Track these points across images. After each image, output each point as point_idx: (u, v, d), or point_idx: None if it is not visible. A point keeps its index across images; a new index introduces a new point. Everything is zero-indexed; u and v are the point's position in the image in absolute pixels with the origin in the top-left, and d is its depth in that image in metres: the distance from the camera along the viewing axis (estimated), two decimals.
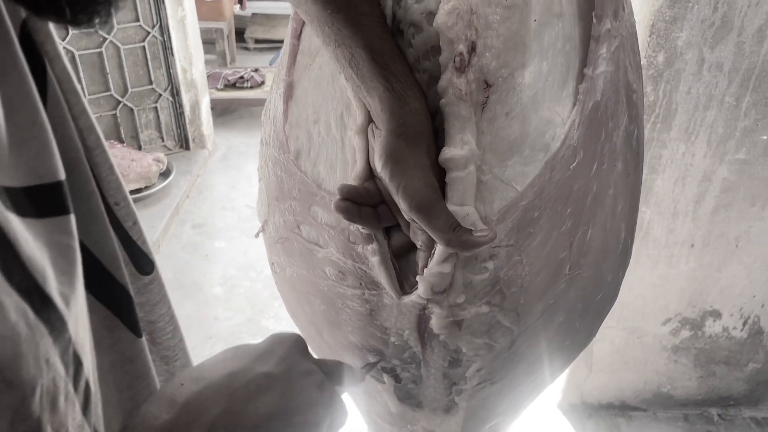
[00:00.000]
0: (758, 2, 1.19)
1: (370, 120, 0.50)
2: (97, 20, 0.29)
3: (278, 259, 0.73)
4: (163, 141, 3.14)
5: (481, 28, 0.47)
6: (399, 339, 0.64)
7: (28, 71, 0.33)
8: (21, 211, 0.29)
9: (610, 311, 1.58)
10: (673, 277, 1.57)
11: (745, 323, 1.66)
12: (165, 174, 2.85)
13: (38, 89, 0.34)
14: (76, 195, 0.37)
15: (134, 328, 0.42)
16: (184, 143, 3.18)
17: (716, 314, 1.65)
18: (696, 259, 1.55)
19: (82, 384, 0.31)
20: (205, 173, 3.16)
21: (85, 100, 0.42)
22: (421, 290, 0.54)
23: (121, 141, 2.96)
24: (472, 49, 0.48)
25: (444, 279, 0.53)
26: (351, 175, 0.54)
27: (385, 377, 0.71)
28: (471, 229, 0.47)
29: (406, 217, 0.50)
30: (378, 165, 0.48)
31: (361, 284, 0.63)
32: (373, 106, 0.49)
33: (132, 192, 2.72)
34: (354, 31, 0.46)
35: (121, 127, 2.99)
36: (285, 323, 2.11)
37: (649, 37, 1.24)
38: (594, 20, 0.53)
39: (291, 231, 0.66)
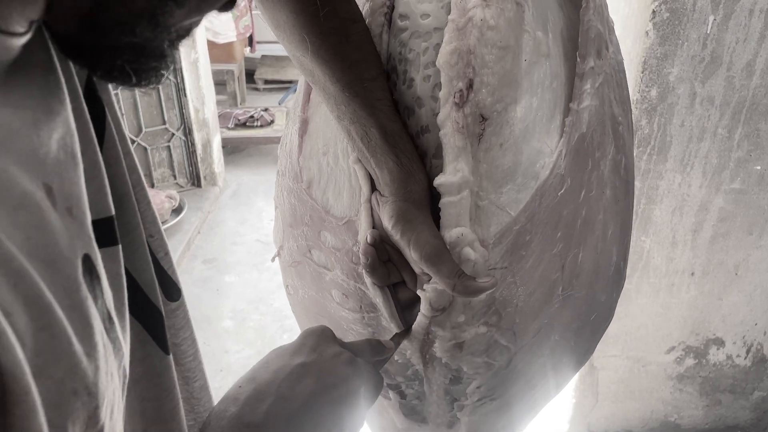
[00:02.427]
0: (746, 38, 1.25)
1: (373, 188, 0.58)
2: (156, 79, 0.35)
3: (292, 281, 0.77)
4: (175, 179, 3.21)
5: (479, 67, 0.52)
6: (402, 358, 0.67)
7: (89, 119, 0.38)
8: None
9: (615, 340, 1.61)
10: (675, 305, 1.60)
11: (748, 351, 1.68)
12: (177, 210, 2.91)
13: (97, 133, 0.39)
14: (123, 227, 0.42)
15: (164, 345, 0.46)
16: (195, 181, 3.25)
17: (719, 342, 1.67)
18: (697, 287, 1.58)
19: (125, 395, 0.36)
20: (216, 209, 3.22)
21: (130, 145, 0.47)
22: (422, 307, 0.59)
23: None
24: (470, 85, 0.53)
25: (443, 296, 0.57)
26: (361, 226, 0.60)
27: (391, 393, 0.74)
28: (474, 277, 0.54)
29: (415, 267, 0.57)
30: (389, 224, 0.55)
31: (361, 307, 0.67)
32: (381, 178, 0.56)
33: None
34: (369, 112, 0.54)
35: None
36: None
37: (642, 73, 1.30)
38: (578, 59, 0.58)
39: (303, 255, 0.71)
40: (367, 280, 0.61)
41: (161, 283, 0.48)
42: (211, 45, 3.14)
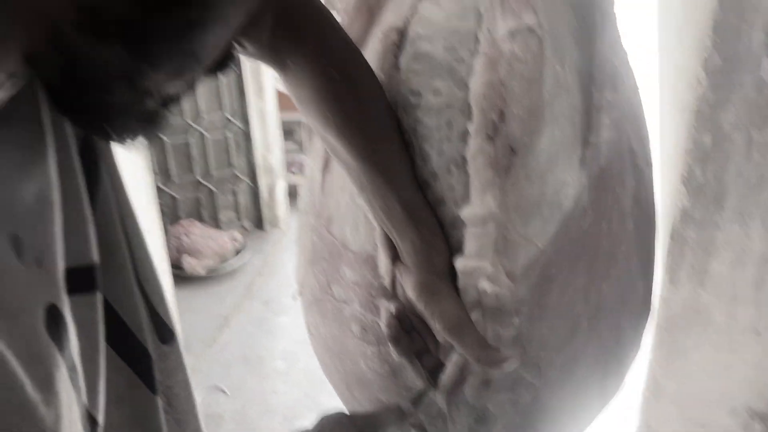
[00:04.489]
0: None
1: (395, 257, 0.59)
2: (144, 138, 0.36)
3: (313, 320, 0.78)
4: (240, 221, 3.31)
5: (509, 99, 0.53)
6: (426, 398, 0.67)
7: (79, 170, 0.40)
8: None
9: (672, 400, 1.52)
10: (737, 365, 1.50)
11: None
12: (240, 252, 3.00)
13: (90, 183, 0.41)
14: (112, 272, 0.43)
15: (151, 386, 0.46)
16: (259, 224, 3.35)
17: None
18: (763, 348, 1.47)
19: None
20: (277, 252, 3.29)
21: (128, 194, 0.49)
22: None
23: (201, 220, 3.15)
24: (502, 118, 0.53)
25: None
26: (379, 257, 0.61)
27: None
28: (498, 348, 0.54)
29: (439, 337, 0.57)
30: (413, 296, 0.56)
31: (378, 340, 0.67)
32: (404, 249, 0.57)
33: (208, 268, 2.87)
34: (391, 186, 0.56)
35: (202, 208, 3.19)
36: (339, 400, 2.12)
37: (696, 121, 1.26)
38: (595, 92, 0.59)
39: (324, 292, 0.72)
40: (392, 350, 0.61)
41: (154, 325, 0.49)
42: (281, 94, 3.26)
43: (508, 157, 0.54)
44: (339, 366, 0.76)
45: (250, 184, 3.27)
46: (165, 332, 0.52)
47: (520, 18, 0.53)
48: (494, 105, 0.53)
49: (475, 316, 0.57)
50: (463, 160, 0.56)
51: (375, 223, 0.60)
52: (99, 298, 0.39)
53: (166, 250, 2.10)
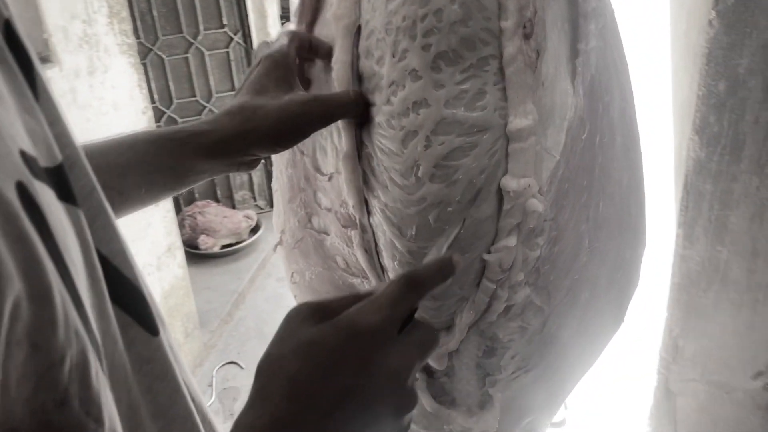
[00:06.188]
0: None
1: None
2: None
3: (297, 266, 0.76)
4: (255, 200, 3.31)
5: None
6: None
7: (16, 64, 0.32)
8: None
9: (692, 362, 1.49)
10: (759, 324, 1.45)
11: None
12: (254, 230, 2.99)
13: (29, 84, 0.33)
14: (80, 191, 0.35)
15: (149, 325, 0.40)
16: (273, 203, 3.34)
17: None
18: None
19: (107, 372, 0.31)
20: None
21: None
22: (488, 271, 0.56)
23: (216, 200, 3.15)
24: (534, 17, 0.50)
25: (510, 254, 0.55)
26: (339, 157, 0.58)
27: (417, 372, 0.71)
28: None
29: None
30: None
31: (361, 273, 0.65)
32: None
33: (224, 246, 2.87)
34: None
35: (218, 188, 3.19)
36: None
37: (707, 65, 1.20)
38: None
39: (304, 228, 0.70)
40: (344, 210, 0.59)
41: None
42: None
43: (536, 60, 0.50)
44: None
45: (264, 163, 3.26)
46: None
47: None
48: (527, 2, 0.49)
49: (511, 240, 0.54)
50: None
51: (340, 147, 0.57)
52: (80, 213, 0.32)
53: (178, 231, 2.09)
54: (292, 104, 0.53)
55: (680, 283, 1.43)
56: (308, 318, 0.43)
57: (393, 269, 0.58)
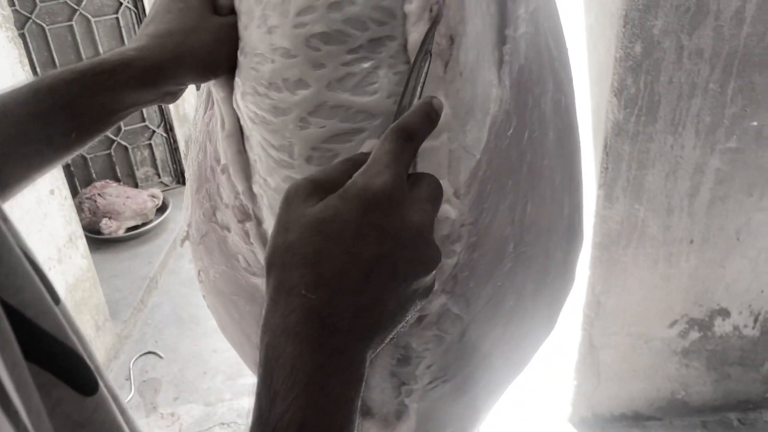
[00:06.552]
0: None
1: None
2: None
3: (202, 263, 0.69)
4: (159, 177, 3.13)
5: None
6: None
7: None
8: None
9: (613, 316, 1.49)
10: (674, 276, 1.51)
11: (756, 320, 1.59)
12: (162, 209, 2.84)
13: None
14: None
15: (82, 384, 0.34)
16: (180, 178, 3.17)
17: (725, 313, 1.58)
18: (697, 255, 1.48)
19: None
20: None
21: None
22: None
23: (117, 180, 2.95)
24: None
25: None
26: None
27: None
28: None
29: None
30: None
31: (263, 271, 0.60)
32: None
33: (129, 229, 2.70)
34: None
35: (117, 166, 2.98)
36: None
37: (624, 27, 1.20)
38: None
39: (209, 221, 0.63)
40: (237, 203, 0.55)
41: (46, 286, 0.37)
42: None
43: (449, 48, 0.45)
44: (234, 311, 0.67)
45: (165, 135, 3.07)
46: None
47: None
48: None
49: None
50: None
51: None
52: None
53: (77, 218, 1.93)
54: (226, 27, 0.50)
55: (601, 242, 1.46)
56: (311, 195, 0.38)
57: None
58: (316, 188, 0.38)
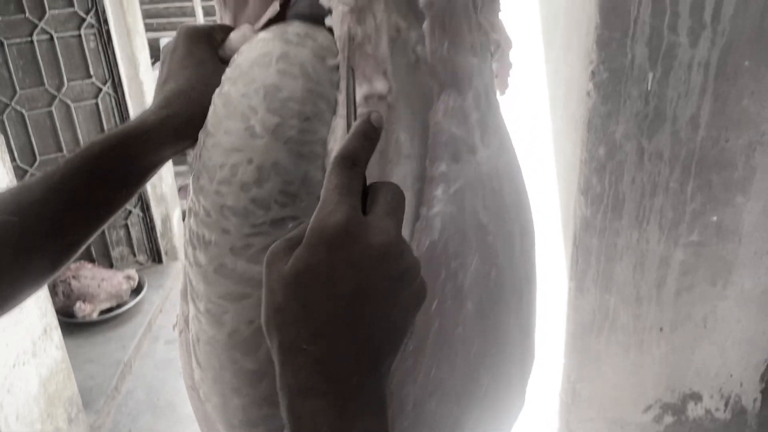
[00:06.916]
0: (687, 93, 1.25)
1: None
2: None
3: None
4: (135, 256, 3.12)
5: None
6: None
7: None
8: None
9: (589, 403, 1.47)
10: (646, 362, 1.55)
11: (726, 404, 1.63)
12: (137, 290, 2.82)
13: None
14: None
15: None
16: (156, 257, 3.17)
17: (697, 397, 1.61)
18: (667, 342, 1.53)
19: None
20: (177, 286, 3.12)
21: None
22: None
23: (92, 260, 2.93)
24: None
25: None
26: None
27: None
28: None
29: None
30: None
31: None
32: None
33: (103, 312, 2.67)
34: None
35: (92, 246, 2.97)
36: None
37: (588, 132, 1.28)
38: (428, 163, 0.56)
39: (186, 322, 0.67)
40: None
41: None
42: None
43: None
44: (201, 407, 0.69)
45: (142, 215, 3.09)
46: None
47: (372, 84, 0.53)
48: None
49: None
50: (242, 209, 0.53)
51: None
52: None
53: (53, 310, 1.92)
54: None
55: (575, 331, 1.50)
56: (285, 254, 0.40)
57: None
58: (290, 246, 0.40)
